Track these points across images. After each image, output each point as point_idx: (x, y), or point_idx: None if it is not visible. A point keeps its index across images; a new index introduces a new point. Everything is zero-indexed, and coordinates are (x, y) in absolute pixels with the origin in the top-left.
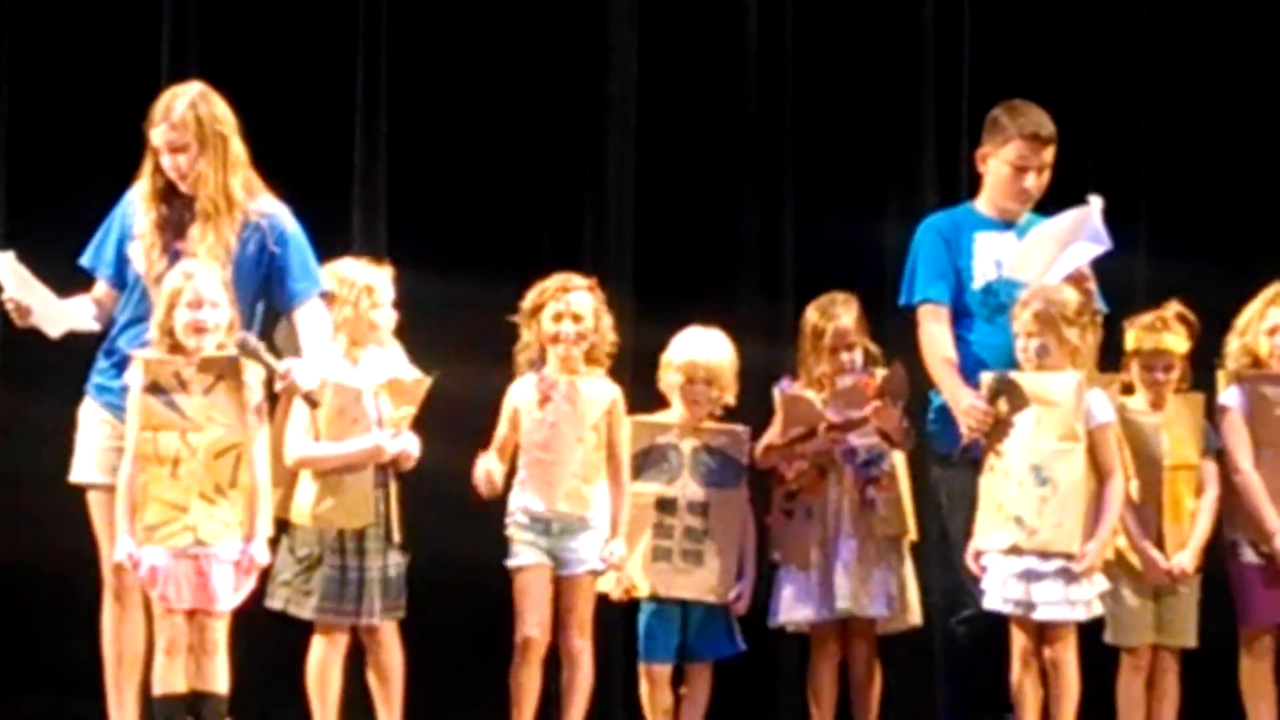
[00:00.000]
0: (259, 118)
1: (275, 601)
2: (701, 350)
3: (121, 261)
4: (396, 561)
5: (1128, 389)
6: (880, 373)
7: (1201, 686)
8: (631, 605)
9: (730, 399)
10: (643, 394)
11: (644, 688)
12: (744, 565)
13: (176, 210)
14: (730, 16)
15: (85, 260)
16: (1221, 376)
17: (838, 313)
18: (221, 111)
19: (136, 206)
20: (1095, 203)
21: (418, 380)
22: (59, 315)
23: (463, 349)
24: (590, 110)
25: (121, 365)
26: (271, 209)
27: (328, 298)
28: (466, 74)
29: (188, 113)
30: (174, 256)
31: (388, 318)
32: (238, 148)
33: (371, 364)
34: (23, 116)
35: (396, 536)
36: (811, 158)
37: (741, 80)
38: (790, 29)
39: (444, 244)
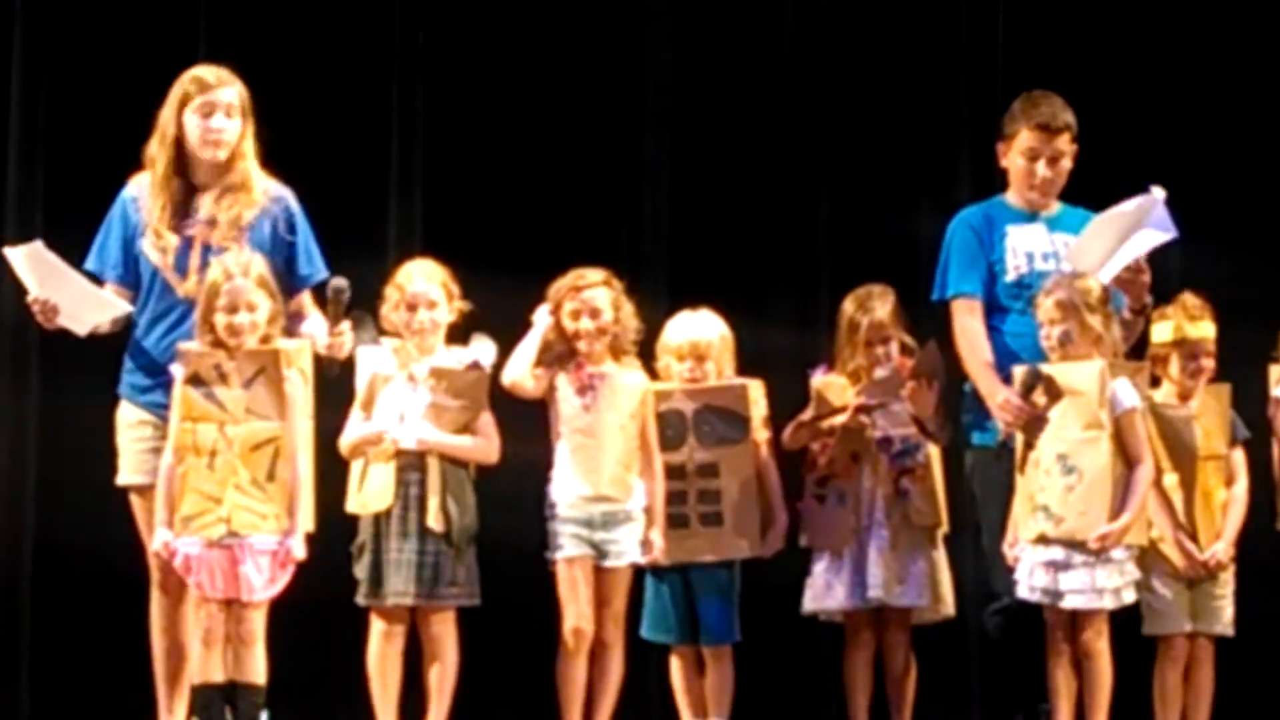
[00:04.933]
0: (296, 116)
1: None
2: (691, 330)
3: (130, 259)
4: (436, 550)
5: (1154, 382)
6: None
7: (1237, 677)
8: None
9: (729, 372)
10: None
11: (673, 672)
12: (775, 512)
13: (183, 192)
14: (767, 11)
15: (90, 265)
16: (1274, 369)
17: (874, 306)
18: None
19: (146, 196)
20: (1157, 193)
21: (463, 371)
22: (91, 304)
23: (498, 347)
24: (626, 105)
25: (150, 366)
26: (280, 192)
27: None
28: (502, 73)
29: (240, 85)
30: (187, 242)
31: (417, 320)
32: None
33: (438, 360)
34: (62, 126)
35: (434, 523)
36: (847, 152)
37: (777, 74)
38: (826, 25)
39: (479, 244)
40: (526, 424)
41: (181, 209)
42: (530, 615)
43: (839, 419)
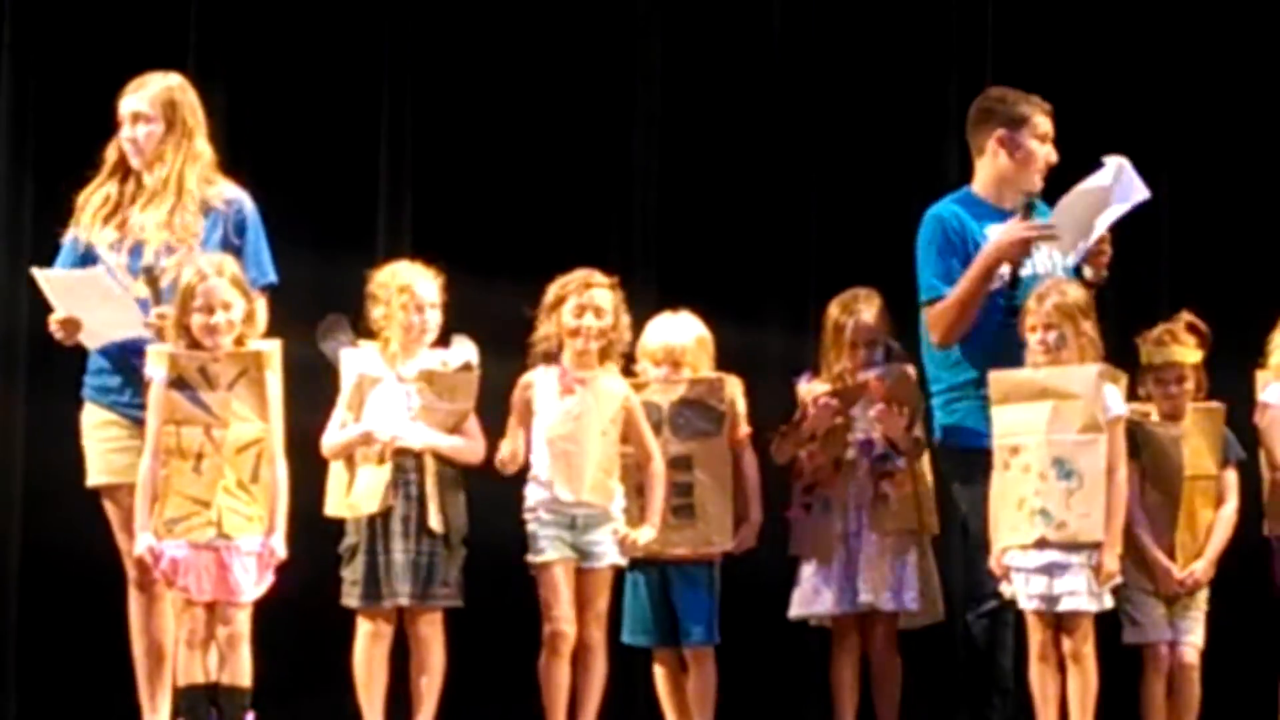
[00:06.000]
0: (285, 118)
1: (343, 599)
2: (666, 335)
3: (86, 265)
4: (431, 550)
5: (1147, 399)
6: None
7: (1229, 691)
8: None
9: (707, 375)
10: None
11: (657, 677)
12: (749, 509)
13: (126, 192)
14: (756, 13)
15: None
16: (1260, 375)
17: (859, 308)
18: (196, 105)
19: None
20: (1115, 160)
21: (456, 372)
22: (122, 325)
23: (487, 349)
24: (615, 107)
25: (114, 367)
26: (234, 195)
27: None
28: (491, 76)
29: (163, 92)
30: (138, 246)
31: (422, 320)
32: (203, 146)
33: (427, 361)
34: (51, 140)
35: (435, 523)
36: (836, 155)
37: (767, 76)
38: (815, 26)
39: (468, 244)
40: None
41: (128, 213)
42: (513, 617)
43: (810, 418)
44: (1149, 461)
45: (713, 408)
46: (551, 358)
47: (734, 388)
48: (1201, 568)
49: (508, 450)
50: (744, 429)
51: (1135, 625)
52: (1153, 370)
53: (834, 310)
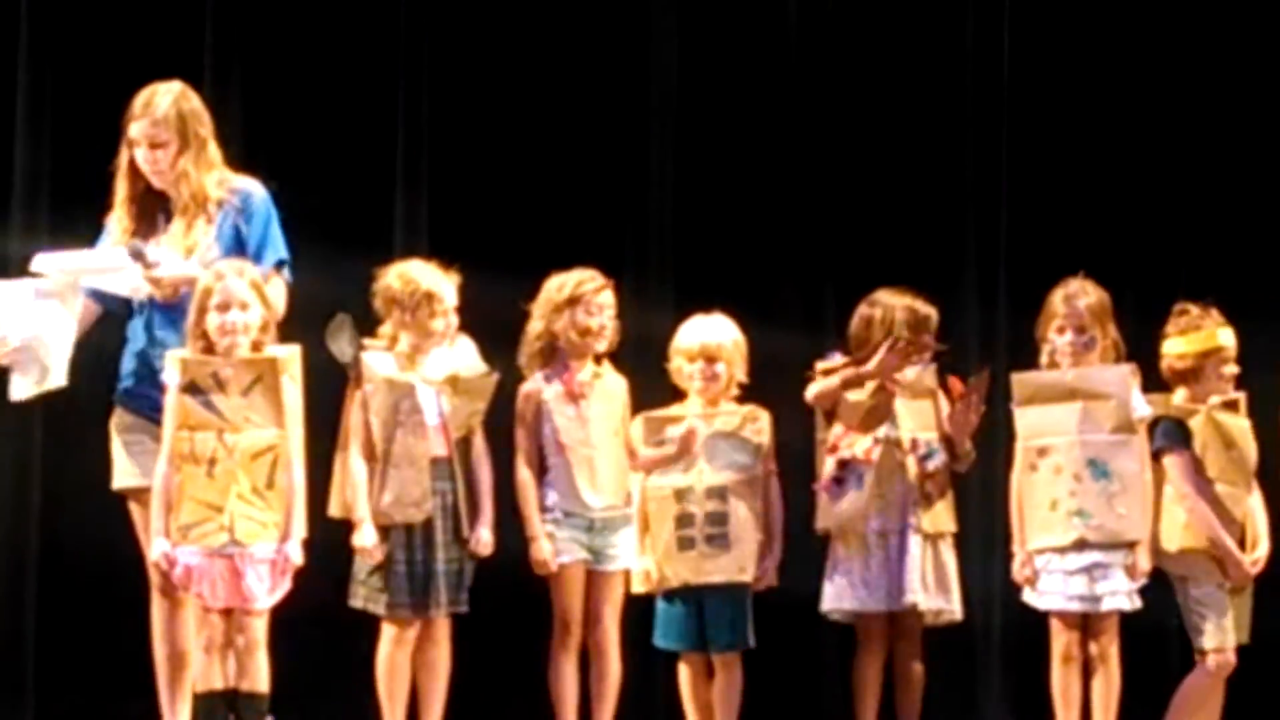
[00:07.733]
0: (302, 117)
1: (355, 600)
2: (703, 333)
3: None
4: (460, 558)
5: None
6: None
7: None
8: None
9: (741, 376)
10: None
11: (682, 678)
12: (772, 544)
13: (150, 212)
14: (772, 11)
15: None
16: None
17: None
18: (202, 111)
19: (114, 216)
20: None
21: (480, 376)
22: (49, 358)
23: (502, 347)
24: (630, 107)
25: (140, 371)
26: (243, 186)
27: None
28: (507, 75)
29: (171, 110)
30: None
31: (446, 324)
32: (214, 149)
33: (438, 363)
34: (67, 144)
35: (467, 532)
36: (853, 153)
37: (783, 75)
38: (832, 25)
39: (485, 242)
40: (507, 431)
41: (153, 219)
42: (519, 620)
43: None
44: (1217, 453)
45: (748, 440)
46: (548, 356)
47: (763, 421)
48: (1264, 550)
49: (547, 553)
50: (771, 465)
51: (1219, 629)
52: (1224, 353)
53: (863, 307)
